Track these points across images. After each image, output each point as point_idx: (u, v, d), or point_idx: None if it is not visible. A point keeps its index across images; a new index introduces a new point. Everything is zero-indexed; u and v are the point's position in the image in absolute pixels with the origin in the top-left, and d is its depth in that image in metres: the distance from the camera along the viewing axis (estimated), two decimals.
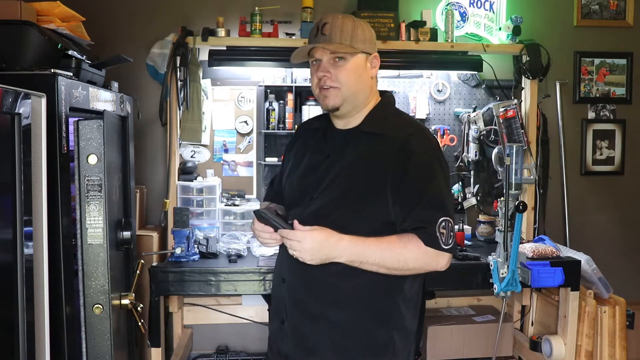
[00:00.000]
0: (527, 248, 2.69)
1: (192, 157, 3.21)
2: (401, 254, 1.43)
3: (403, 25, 3.08)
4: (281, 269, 1.64)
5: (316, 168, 1.58)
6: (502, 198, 2.51)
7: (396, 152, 1.47)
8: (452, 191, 3.29)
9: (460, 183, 3.29)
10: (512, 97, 3.22)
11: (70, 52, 1.78)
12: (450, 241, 1.45)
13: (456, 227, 3.14)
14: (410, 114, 3.29)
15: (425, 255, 1.44)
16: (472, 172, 3.28)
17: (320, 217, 1.49)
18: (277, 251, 1.69)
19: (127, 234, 1.83)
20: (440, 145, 3.20)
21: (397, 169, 1.46)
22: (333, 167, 1.54)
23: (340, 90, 1.52)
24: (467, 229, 3.22)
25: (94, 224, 1.58)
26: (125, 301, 1.84)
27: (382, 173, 1.47)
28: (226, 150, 3.28)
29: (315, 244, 1.41)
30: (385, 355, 1.52)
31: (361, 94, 1.55)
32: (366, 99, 1.57)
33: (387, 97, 1.65)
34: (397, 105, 1.58)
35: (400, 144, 1.48)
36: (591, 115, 3.51)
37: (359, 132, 1.56)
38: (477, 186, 3.27)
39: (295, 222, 1.45)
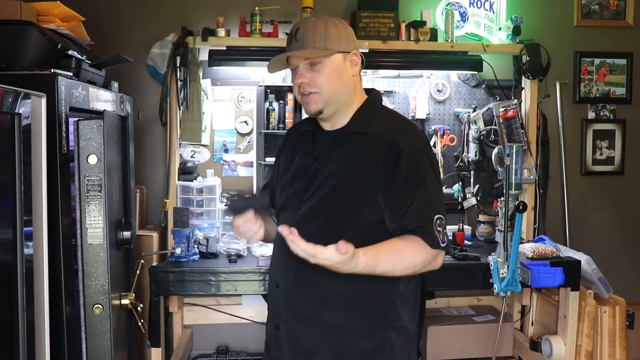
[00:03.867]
0: (527, 248, 2.69)
1: (192, 157, 3.21)
2: (412, 260, 1.40)
3: (403, 25, 3.08)
4: (274, 273, 1.62)
5: (305, 171, 1.56)
6: (502, 198, 2.51)
7: (385, 151, 1.45)
8: (452, 190, 3.29)
9: (460, 183, 3.29)
10: (512, 97, 3.22)
11: (70, 52, 1.78)
12: (445, 239, 1.44)
13: (456, 227, 3.15)
14: (410, 114, 3.30)
15: (429, 256, 1.42)
16: (472, 172, 3.27)
17: (310, 219, 1.48)
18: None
19: (127, 234, 1.83)
20: (431, 142, 3.22)
21: (387, 168, 1.44)
22: (322, 169, 1.52)
23: (320, 94, 1.49)
24: (467, 229, 3.21)
25: (94, 224, 1.58)
26: (125, 301, 1.84)
27: (371, 172, 1.45)
28: (226, 150, 3.28)
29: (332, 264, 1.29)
30: (383, 356, 1.51)
31: (343, 94, 1.52)
32: (350, 99, 1.54)
33: (373, 95, 1.61)
34: (397, 105, 1.58)
35: (388, 142, 1.46)
36: (591, 115, 3.51)
37: (347, 132, 1.53)
38: (477, 186, 3.27)
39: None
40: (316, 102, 1.51)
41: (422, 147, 1.50)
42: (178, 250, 2.68)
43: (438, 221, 1.42)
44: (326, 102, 1.51)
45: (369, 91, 1.62)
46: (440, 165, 3.30)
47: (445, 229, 1.45)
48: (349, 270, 1.31)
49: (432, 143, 3.30)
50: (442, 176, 3.31)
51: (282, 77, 3.20)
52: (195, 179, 3.10)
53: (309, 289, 1.51)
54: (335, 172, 1.50)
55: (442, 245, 1.42)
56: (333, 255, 1.24)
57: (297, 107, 3.20)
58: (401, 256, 1.40)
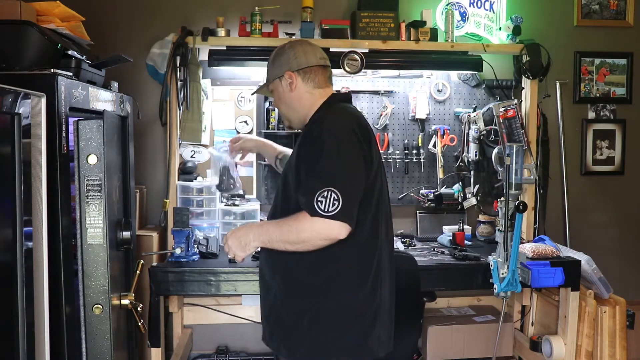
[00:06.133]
0: (527, 248, 2.69)
1: (192, 157, 3.21)
2: (292, 225, 1.54)
3: (403, 25, 3.08)
4: None
5: None
6: (502, 198, 2.51)
7: (300, 140, 1.65)
8: (452, 190, 3.26)
9: (460, 183, 3.29)
10: (512, 97, 3.22)
11: (70, 52, 1.78)
12: (332, 208, 1.48)
13: (456, 227, 3.15)
14: (411, 114, 3.30)
15: (311, 223, 1.50)
16: (472, 172, 3.27)
17: (271, 216, 1.74)
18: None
19: (127, 234, 1.83)
20: (431, 142, 3.23)
21: (298, 153, 1.61)
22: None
23: (282, 114, 1.84)
24: (467, 229, 3.21)
25: (94, 224, 1.58)
26: (125, 301, 1.84)
27: (294, 159, 1.64)
28: (226, 151, 3.27)
29: (231, 241, 1.67)
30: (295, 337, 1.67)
31: (294, 111, 1.76)
32: (302, 111, 1.74)
33: (329, 98, 1.75)
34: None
35: (304, 132, 1.66)
36: (591, 115, 3.51)
37: (299, 134, 1.76)
38: (477, 186, 3.27)
39: None
40: (284, 120, 1.85)
41: (330, 129, 1.57)
42: (178, 250, 2.68)
43: (324, 193, 1.49)
44: (288, 120, 1.82)
45: (336, 95, 1.78)
46: (440, 165, 3.31)
47: (337, 200, 1.49)
48: (248, 242, 1.63)
49: (432, 143, 3.30)
50: (442, 176, 3.30)
51: None
52: (195, 179, 3.10)
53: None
54: (285, 168, 1.75)
55: (324, 213, 1.48)
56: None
57: None
58: (286, 221, 1.57)
